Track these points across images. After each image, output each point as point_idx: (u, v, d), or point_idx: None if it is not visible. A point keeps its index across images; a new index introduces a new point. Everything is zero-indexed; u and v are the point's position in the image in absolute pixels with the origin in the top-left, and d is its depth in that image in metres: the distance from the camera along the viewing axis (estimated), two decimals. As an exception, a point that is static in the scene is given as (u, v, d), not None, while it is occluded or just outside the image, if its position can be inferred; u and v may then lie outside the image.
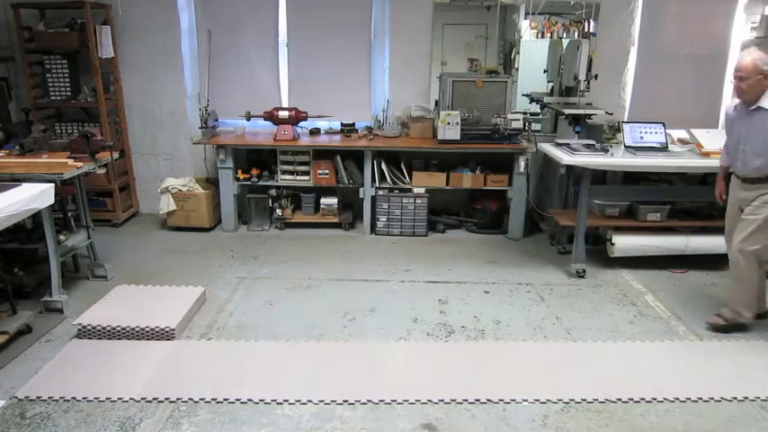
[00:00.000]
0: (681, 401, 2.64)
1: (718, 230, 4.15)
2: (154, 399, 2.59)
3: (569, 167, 4.04)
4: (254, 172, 4.90)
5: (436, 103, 4.96)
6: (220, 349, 3.04)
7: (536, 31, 5.09)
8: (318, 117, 4.98)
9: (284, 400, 2.59)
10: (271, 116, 4.85)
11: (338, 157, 4.85)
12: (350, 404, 2.58)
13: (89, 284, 3.84)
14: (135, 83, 5.10)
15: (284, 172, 4.90)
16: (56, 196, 3.19)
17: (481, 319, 3.42)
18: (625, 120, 4.88)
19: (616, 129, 4.76)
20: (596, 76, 4.85)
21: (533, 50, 5.14)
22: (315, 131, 5.14)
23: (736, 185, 3.27)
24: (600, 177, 4.30)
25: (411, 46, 5.06)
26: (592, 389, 2.71)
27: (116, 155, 3.94)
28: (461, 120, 4.55)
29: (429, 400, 2.60)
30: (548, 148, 4.30)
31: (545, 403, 2.61)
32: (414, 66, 5.10)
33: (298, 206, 5.11)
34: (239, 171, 4.88)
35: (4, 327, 3.01)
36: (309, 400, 2.59)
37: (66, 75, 4.81)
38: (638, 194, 4.30)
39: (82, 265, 4.04)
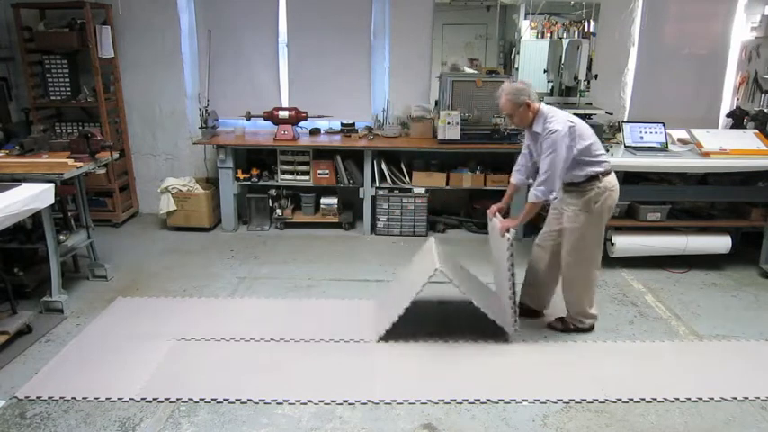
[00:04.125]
0: (681, 401, 2.64)
1: (719, 230, 4.17)
2: (154, 399, 2.59)
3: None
4: (254, 172, 4.90)
5: (436, 103, 4.96)
6: (220, 349, 3.04)
7: (536, 31, 5.08)
8: (318, 117, 4.98)
9: (284, 400, 2.59)
10: (271, 116, 4.85)
11: (338, 157, 4.85)
12: (350, 404, 2.58)
13: (89, 284, 3.84)
14: (135, 83, 5.10)
15: (284, 172, 4.90)
16: (56, 196, 3.19)
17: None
18: (625, 120, 4.88)
19: (616, 129, 4.76)
20: (596, 76, 4.86)
21: (533, 50, 5.14)
22: (315, 131, 5.14)
23: None
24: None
25: (411, 46, 5.06)
26: (592, 389, 2.71)
27: (116, 155, 3.94)
28: (461, 120, 4.55)
29: (429, 400, 2.60)
30: (548, 148, 4.29)
31: (545, 403, 2.61)
32: (414, 66, 5.10)
33: (298, 206, 5.11)
34: (239, 171, 4.88)
35: (4, 327, 3.01)
36: (309, 400, 2.59)
37: (67, 75, 4.80)
38: (638, 194, 4.29)
39: (82, 265, 4.04)
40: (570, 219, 3.06)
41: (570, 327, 3.27)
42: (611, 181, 3.03)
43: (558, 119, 2.90)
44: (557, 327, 3.31)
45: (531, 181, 3.24)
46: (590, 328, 3.28)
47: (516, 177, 3.29)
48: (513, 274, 3.00)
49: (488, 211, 3.33)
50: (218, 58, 5.08)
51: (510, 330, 3.10)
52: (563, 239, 3.14)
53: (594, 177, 2.97)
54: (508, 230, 3.02)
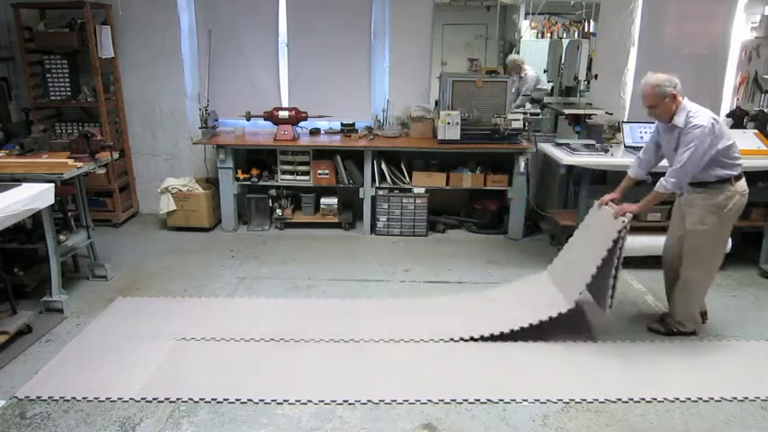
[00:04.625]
0: (681, 401, 2.64)
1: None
2: (154, 399, 2.59)
3: (569, 167, 4.04)
4: (254, 172, 4.90)
5: (436, 103, 4.96)
6: (220, 349, 3.04)
7: (536, 31, 5.09)
8: (318, 117, 4.98)
9: (284, 400, 2.59)
10: (271, 116, 4.85)
11: (338, 157, 4.85)
12: (350, 404, 2.58)
13: (89, 284, 3.84)
14: (135, 83, 5.10)
15: (284, 172, 4.90)
16: (56, 196, 3.19)
17: (481, 319, 3.41)
18: (625, 120, 4.88)
19: (616, 129, 4.77)
20: (596, 76, 4.86)
21: (533, 50, 5.14)
22: (315, 131, 5.14)
23: None
24: (600, 177, 4.29)
25: (411, 46, 5.06)
26: (592, 389, 2.71)
27: (116, 155, 3.94)
28: (461, 120, 4.55)
29: (429, 400, 2.60)
30: (548, 148, 4.30)
31: (545, 403, 2.61)
32: (414, 66, 5.10)
33: (298, 206, 5.11)
34: (239, 171, 4.88)
35: (4, 327, 3.01)
36: (309, 400, 2.59)
37: (67, 75, 4.81)
38: (638, 194, 4.28)
39: (82, 265, 4.04)
40: (696, 220, 3.02)
41: (673, 329, 3.24)
42: (743, 185, 3.01)
43: (703, 114, 2.86)
44: (659, 330, 3.27)
45: (648, 176, 3.25)
46: (693, 333, 3.24)
47: (635, 171, 3.26)
48: (620, 257, 2.97)
49: (599, 201, 3.30)
50: (218, 57, 5.08)
51: (605, 309, 3.08)
52: (685, 240, 3.10)
53: (727, 180, 2.95)
54: (624, 214, 3.00)
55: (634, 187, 3.31)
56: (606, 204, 3.24)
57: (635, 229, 4.17)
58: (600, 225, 3.20)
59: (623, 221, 2.96)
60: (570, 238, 3.54)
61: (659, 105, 2.92)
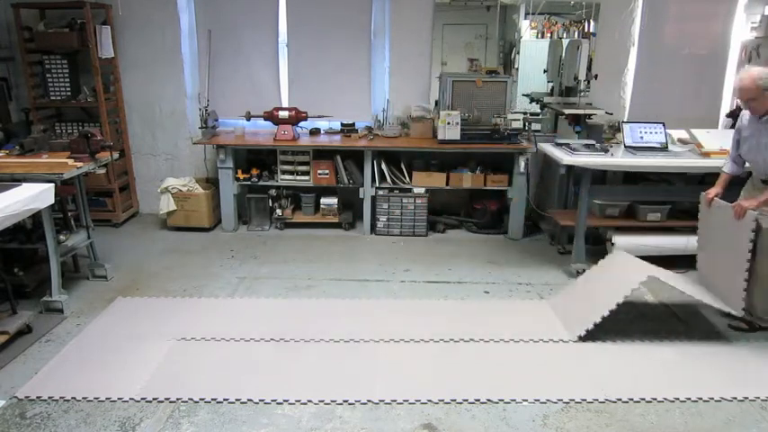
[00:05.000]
0: (681, 401, 2.64)
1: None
2: (154, 399, 2.59)
3: (569, 167, 4.04)
4: (254, 172, 4.90)
5: (436, 103, 4.96)
6: (220, 349, 3.04)
7: (536, 31, 5.09)
8: (318, 117, 4.98)
9: (284, 400, 2.59)
10: (271, 116, 4.85)
11: (338, 157, 4.85)
12: (350, 404, 2.58)
13: (89, 284, 3.84)
14: (135, 83, 5.10)
15: (284, 172, 4.90)
16: (56, 196, 3.19)
17: (481, 319, 3.41)
18: (625, 120, 4.88)
19: (616, 129, 4.77)
20: (596, 76, 4.86)
21: (533, 50, 5.14)
22: (315, 131, 5.14)
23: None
24: (600, 177, 4.29)
25: (411, 46, 5.06)
26: (592, 389, 2.71)
27: (116, 155, 3.94)
28: (461, 120, 4.55)
29: (429, 400, 2.60)
30: (548, 148, 4.30)
31: (545, 403, 2.61)
32: (414, 66, 5.10)
33: (298, 206, 5.11)
34: (239, 171, 4.88)
35: (4, 327, 3.01)
36: (309, 400, 2.59)
37: (67, 75, 4.80)
38: (638, 194, 4.29)
39: (82, 265, 4.04)
40: None
41: (756, 326, 3.26)
42: None
43: None
44: (741, 327, 3.30)
45: (744, 170, 3.32)
46: None
47: (732, 167, 3.35)
48: (750, 259, 3.01)
49: (705, 196, 3.35)
50: (218, 57, 5.08)
51: (738, 312, 3.11)
52: (761, 240, 3.07)
53: None
54: (745, 212, 3.02)
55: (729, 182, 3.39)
56: (713, 200, 3.29)
57: (635, 229, 4.20)
58: (720, 222, 3.22)
59: (755, 217, 2.99)
60: (589, 272, 3.56)
61: (759, 98, 2.98)
